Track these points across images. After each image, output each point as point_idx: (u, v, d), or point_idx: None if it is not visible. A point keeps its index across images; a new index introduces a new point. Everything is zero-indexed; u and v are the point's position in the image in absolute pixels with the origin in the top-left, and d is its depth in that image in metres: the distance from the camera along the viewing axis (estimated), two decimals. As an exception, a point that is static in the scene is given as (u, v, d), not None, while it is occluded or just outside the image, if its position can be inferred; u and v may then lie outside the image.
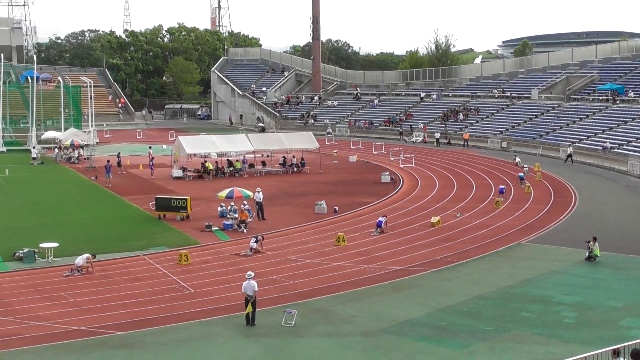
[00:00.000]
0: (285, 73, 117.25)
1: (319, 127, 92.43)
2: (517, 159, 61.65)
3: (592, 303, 25.10)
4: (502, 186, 47.59)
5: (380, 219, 37.33)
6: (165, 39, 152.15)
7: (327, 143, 77.57)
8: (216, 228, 37.92)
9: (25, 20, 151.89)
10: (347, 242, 34.16)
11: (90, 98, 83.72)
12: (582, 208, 42.71)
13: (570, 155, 62.58)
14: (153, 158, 61.93)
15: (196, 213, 41.28)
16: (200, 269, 30.18)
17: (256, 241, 32.90)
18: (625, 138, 63.34)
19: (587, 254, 30.68)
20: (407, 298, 26.19)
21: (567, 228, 37.61)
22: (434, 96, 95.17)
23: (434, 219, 38.39)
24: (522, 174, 52.64)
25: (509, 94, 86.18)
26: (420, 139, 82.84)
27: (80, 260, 29.63)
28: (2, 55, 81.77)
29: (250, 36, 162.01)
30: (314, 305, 25.32)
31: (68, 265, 30.15)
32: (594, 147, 64.00)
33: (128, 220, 41.20)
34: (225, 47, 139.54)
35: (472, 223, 38.79)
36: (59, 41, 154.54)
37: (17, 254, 31.73)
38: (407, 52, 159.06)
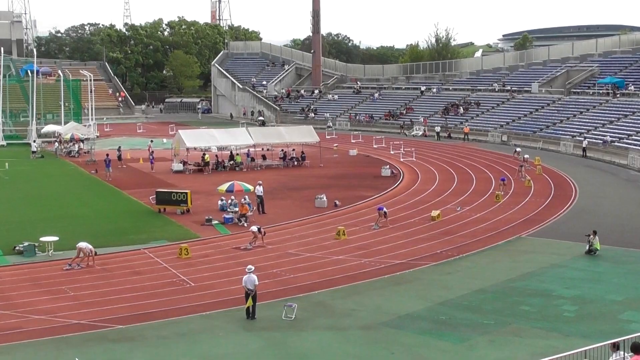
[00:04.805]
0: (286, 67, 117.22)
1: (319, 121, 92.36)
2: (518, 149, 62.07)
3: (592, 297, 25.11)
4: (504, 177, 47.88)
5: (381, 205, 38.10)
6: (166, 33, 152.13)
7: (327, 137, 77.54)
8: (216, 222, 37.92)
9: (25, 13, 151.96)
10: (348, 236, 34.16)
11: (91, 92, 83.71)
12: (582, 202, 42.70)
13: (585, 149, 62.41)
14: (153, 152, 61.93)
15: (196, 207, 41.28)
16: (201, 262, 30.19)
17: (258, 230, 32.92)
18: (625, 132, 63.33)
19: (587, 248, 30.67)
20: (407, 292, 26.20)
21: (567, 222, 37.61)
22: (435, 90, 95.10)
23: (434, 213, 38.39)
24: (522, 164, 53.10)
25: (509, 88, 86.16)
26: (420, 133, 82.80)
27: (83, 244, 29.52)
28: (2, 48, 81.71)
29: (250, 30, 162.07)
30: (314, 298, 25.34)
31: (68, 259, 30.14)
32: (594, 140, 63.96)
33: (128, 214, 41.20)
34: (226, 40, 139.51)
35: (472, 217, 38.79)
36: (59, 35, 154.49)
37: (17, 248, 31.73)
38: (407, 45, 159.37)
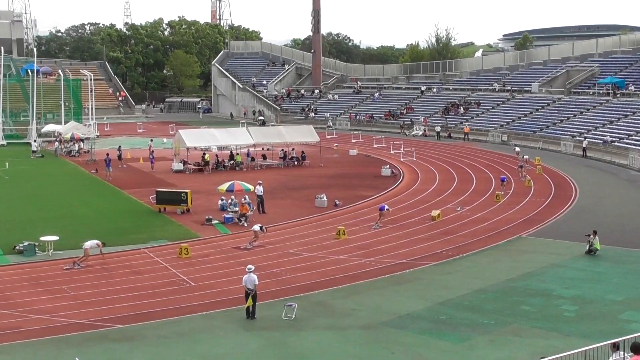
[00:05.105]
0: (286, 66, 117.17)
1: (320, 121, 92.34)
2: (517, 149, 62.12)
3: (592, 296, 25.10)
4: (503, 176, 47.90)
5: (384, 204, 38.16)
6: (166, 32, 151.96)
7: (327, 136, 77.49)
8: (216, 221, 37.91)
9: (26, 13, 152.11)
10: (348, 236, 34.15)
11: (91, 91, 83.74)
12: (582, 201, 42.69)
13: (585, 150, 62.43)
14: (153, 151, 61.93)
15: (196, 206, 41.27)
16: (201, 262, 30.19)
17: (260, 228, 32.97)
18: (625, 132, 63.30)
19: (587, 248, 30.66)
20: (408, 291, 26.19)
21: (567, 221, 37.60)
22: (435, 89, 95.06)
23: (434, 213, 38.37)
24: (522, 164, 53.06)
25: (509, 88, 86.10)
26: (420, 133, 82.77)
27: (88, 244, 29.71)
28: (2, 48, 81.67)
29: (250, 29, 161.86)
30: (314, 298, 25.33)
31: (68, 258, 30.19)
32: (594, 140, 63.94)
33: (128, 213, 41.19)
34: (226, 40, 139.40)
35: (473, 216, 38.77)
36: (60, 34, 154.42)
37: (17, 247, 31.74)
38: (407, 45, 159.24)
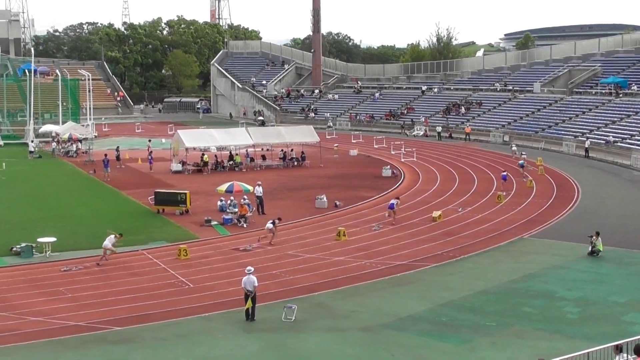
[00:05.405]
0: (286, 66, 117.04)
1: (320, 121, 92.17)
2: (514, 147, 61.87)
3: (595, 298, 24.92)
4: (505, 172, 47.74)
5: (393, 201, 37.89)
6: (165, 32, 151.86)
7: (327, 137, 77.35)
8: (216, 222, 37.69)
9: (23, 12, 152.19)
10: (348, 237, 33.95)
11: (89, 91, 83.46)
12: (584, 202, 42.48)
13: (587, 150, 62.21)
14: (152, 152, 61.71)
15: (195, 207, 41.04)
16: (200, 263, 30.00)
17: (272, 223, 32.75)
18: (628, 132, 63.13)
19: (589, 249, 30.47)
20: (409, 293, 26.00)
21: (569, 222, 37.40)
22: (436, 89, 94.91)
23: (436, 214, 38.18)
24: (522, 161, 52.84)
25: (511, 87, 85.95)
26: (421, 133, 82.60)
27: (108, 242, 29.94)
28: None
29: (250, 29, 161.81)
30: (314, 300, 25.15)
31: (66, 260, 30.02)
32: (596, 140, 63.73)
33: (127, 214, 40.97)
34: (225, 40, 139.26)
35: (474, 217, 38.57)
36: (57, 34, 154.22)
37: (14, 249, 31.53)
38: (408, 45, 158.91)
